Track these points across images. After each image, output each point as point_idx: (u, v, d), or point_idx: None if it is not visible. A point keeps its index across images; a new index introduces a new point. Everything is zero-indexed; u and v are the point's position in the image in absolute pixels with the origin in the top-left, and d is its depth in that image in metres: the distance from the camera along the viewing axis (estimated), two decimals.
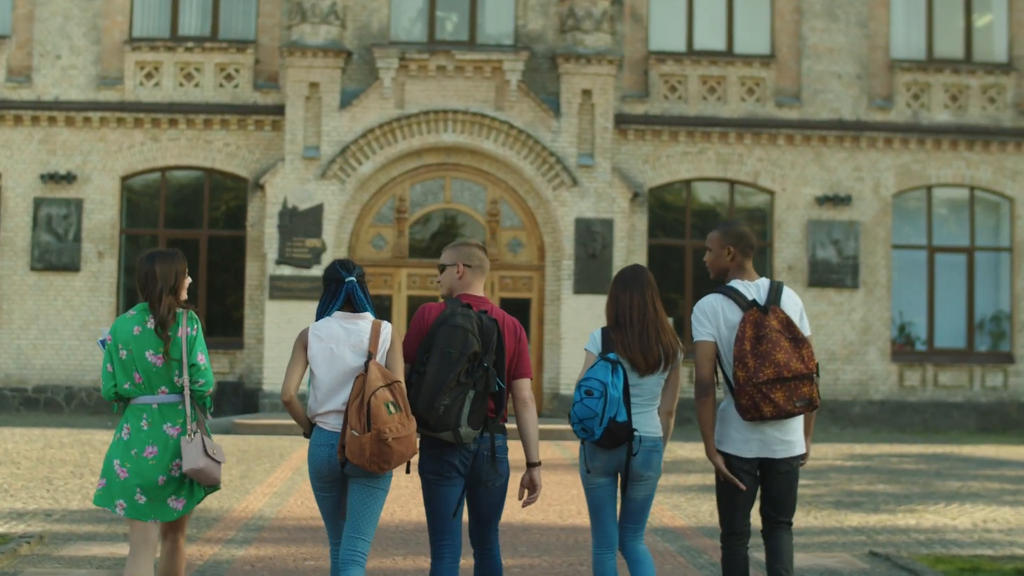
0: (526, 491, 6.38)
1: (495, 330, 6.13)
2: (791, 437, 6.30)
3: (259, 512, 11.22)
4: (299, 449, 16.64)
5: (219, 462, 6.18)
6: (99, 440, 17.46)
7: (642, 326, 6.36)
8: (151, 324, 6.18)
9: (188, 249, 23.26)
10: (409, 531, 10.43)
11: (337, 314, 6.20)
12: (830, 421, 22.92)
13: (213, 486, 6.27)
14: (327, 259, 22.27)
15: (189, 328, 6.23)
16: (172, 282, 6.24)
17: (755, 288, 6.36)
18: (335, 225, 22.45)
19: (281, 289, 22.27)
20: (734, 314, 6.28)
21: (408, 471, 6.19)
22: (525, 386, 6.39)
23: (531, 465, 6.30)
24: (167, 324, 6.17)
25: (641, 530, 6.51)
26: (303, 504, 11.74)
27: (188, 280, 6.38)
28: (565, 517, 11.39)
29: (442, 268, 6.50)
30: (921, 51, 24.12)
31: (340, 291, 6.21)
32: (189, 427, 6.13)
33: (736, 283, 6.40)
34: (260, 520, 10.78)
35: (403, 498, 12.32)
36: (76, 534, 9.82)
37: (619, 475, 6.43)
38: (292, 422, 19.29)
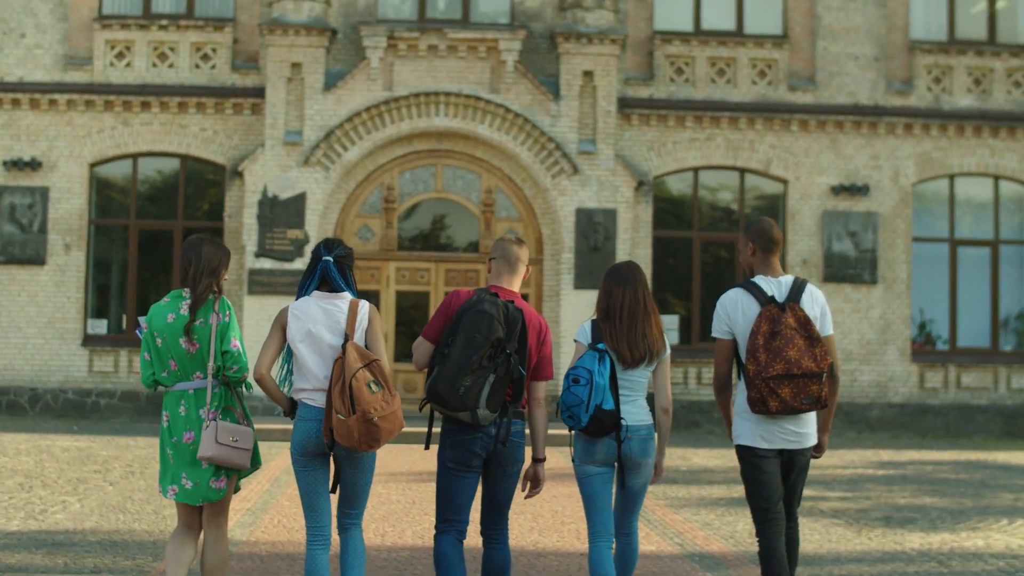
0: (529, 484, 6.52)
1: (520, 319, 6.22)
2: (805, 429, 6.39)
3: (228, 533, 9.67)
4: (277, 457, 15.12)
5: (242, 448, 6.24)
6: (59, 447, 15.93)
7: (631, 321, 6.50)
8: (184, 311, 6.28)
9: (161, 241, 21.80)
10: (403, 559, 8.91)
11: (316, 293, 6.26)
12: (847, 425, 21.48)
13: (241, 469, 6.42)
14: (310, 251, 20.71)
15: (221, 315, 6.28)
16: (214, 266, 6.33)
17: (777, 285, 6.41)
18: (319, 215, 20.94)
19: (261, 284, 20.74)
20: (752, 309, 6.35)
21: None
22: (542, 388, 6.54)
23: (537, 460, 6.48)
24: (199, 304, 6.26)
25: (635, 520, 6.69)
26: (279, 523, 10.23)
27: (226, 276, 6.48)
28: (583, 538, 9.88)
29: None
30: (942, 32, 22.71)
31: (317, 270, 6.29)
32: (206, 414, 6.22)
33: (759, 279, 6.45)
34: (229, 544, 9.23)
35: (395, 516, 10.82)
36: (5, 565, 8.26)
37: (614, 465, 6.54)
38: (273, 427, 17.86)
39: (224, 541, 6.53)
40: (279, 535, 9.70)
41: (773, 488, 6.38)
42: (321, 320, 6.19)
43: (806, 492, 12.77)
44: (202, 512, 6.47)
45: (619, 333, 6.47)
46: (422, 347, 6.35)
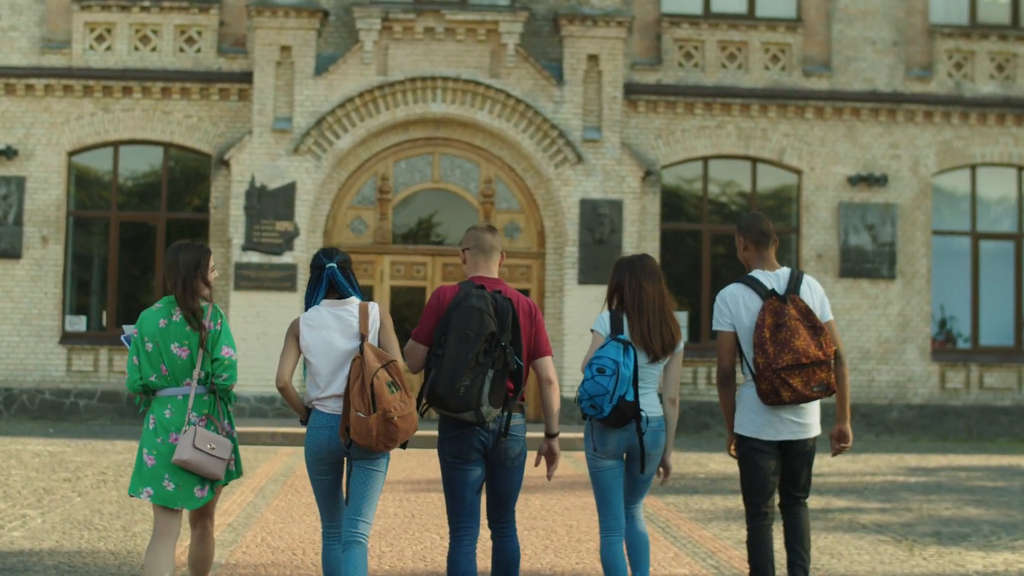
0: (543, 459, 6.42)
1: (510, 309, 6.14)
2: (807, 420, 6.49)
3: None
4: (264, 464, 14.05)
5: (219, 458, 6.20)
6: (30, 452, 14.83)
7: (658, 315, 6.56)
8: (176, 317, 6.30)
9: (144, 234, 20.72)
10: None
11: (325, 302, 6.28)
12: (864, 427, 20.43)
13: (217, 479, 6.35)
14: (300, 244, 19.67)
15: (213, 322, 6.32)
16: (189, 271, 6.32)
17: (775, 278, 6.54)
18: (309, 207, 19.84)
19: (248, 279, 19.64)
20: (754, 303, 6.47)
21: (404, 446, 6.18)
22: (548, 365, 6.43)
23: (550, 436, 6.38)
24: (198, 314, 6.28)
25: (640, 505, 6.73)
26: (263, 541, 9.14)
27: (215, 273, 6.51)
28: None
29: None
30: (963, 15, 21.66)
31: (323, 278, 6.29)
32: (188, 419, 6.21)
33: (757, 273, 6.57)
34: None
35: (393, 532, 9.74)
36: None
37: (625, 456, 6.61)
38: (261, 430, 16.90)
39: (210, 538, 6.52)
40: (262, 556, 8.59)
41: (767, 482, 6.51)
42: (335, 327, 6.21)
43: (841, 503, 11.77)
44: (181, 518, 6.42)
45: (647, 328, 6.53)
46: (416, 350, 6.30)
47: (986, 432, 20.75)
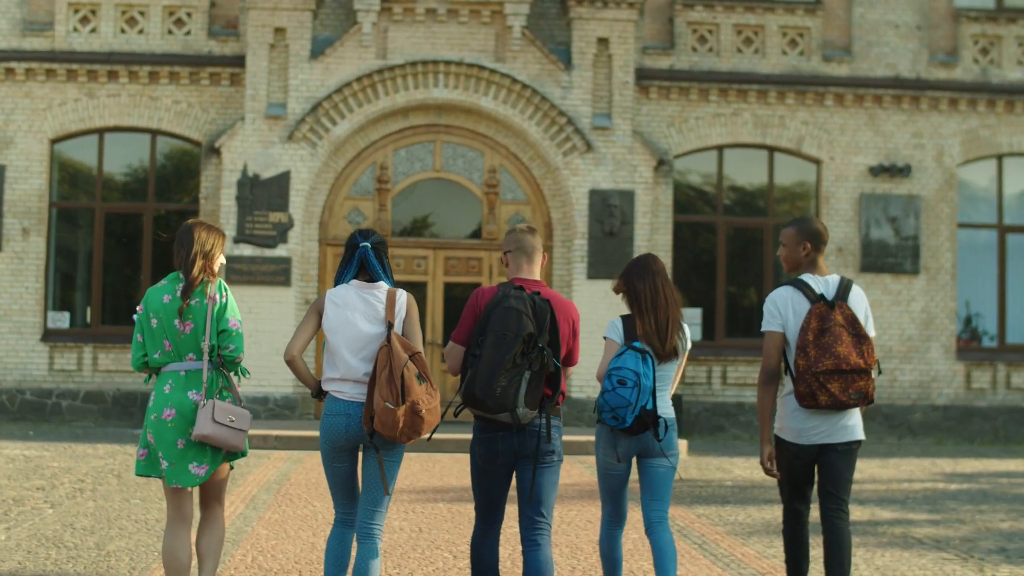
0: None
1: (548, 310, 6.08)
2: (849, 422, 6.43)
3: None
4: (257, 470, 13.03)
5: (239, 429, 6.14)
6: (5, 457, 13.81)
7: (662, 314, 6.50)
8: (180, 293, 6.21)
9: (130, 226, 19.69)
10: None
11: (354, 282, 6.22)
12: (887, 429, 19.48)
13: (236, 453, 6.29)
14: (294, 236, 18.67)
15: (218, 295, 6.23)
16: (208, 249, 6.28)
17: (825, 283, 6.53)
18: (304, 197, 18.83)
19: (240, 272, 18.62)
20: (802, 306, 6.44)
21: (428, 439, 6.15)
22: (570, 373, 6.44)
23: None
24: (193, 287, 6.18)
25: (666, 510, 6.56)
26: (254, 561, 8.11)
27: (222, 259, 6.41)
28: (636, 574, 7.86)
29: None
30: None
31: (354, 258, 6.23)
32: (199, 396, 6.12)
33: (807, 277, 6.55)
34: None
35: (400, 549, 8.73)
36: None
37: (634, 458, 6.57)
38: (252, 432, 15.87)
39: (220, 524, 6.38)
40: (256, 575, 7.60)
41: (802, 484, 6.49)
42: (359, 308, 6.12)
43: (887, 515, 10.81)
44: (190, 500, 6.30)
45: (650, 328, 6.47)
46: (455, 351, 6.21)
47: (1014, 435, 19.79)
